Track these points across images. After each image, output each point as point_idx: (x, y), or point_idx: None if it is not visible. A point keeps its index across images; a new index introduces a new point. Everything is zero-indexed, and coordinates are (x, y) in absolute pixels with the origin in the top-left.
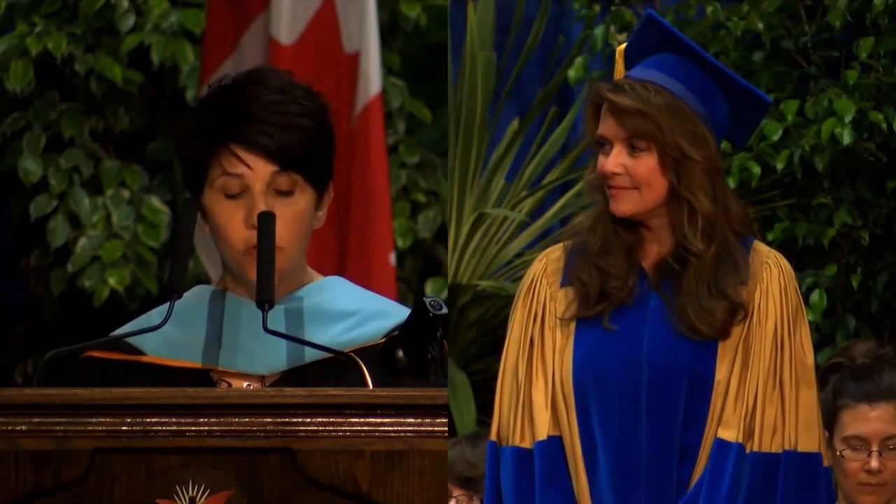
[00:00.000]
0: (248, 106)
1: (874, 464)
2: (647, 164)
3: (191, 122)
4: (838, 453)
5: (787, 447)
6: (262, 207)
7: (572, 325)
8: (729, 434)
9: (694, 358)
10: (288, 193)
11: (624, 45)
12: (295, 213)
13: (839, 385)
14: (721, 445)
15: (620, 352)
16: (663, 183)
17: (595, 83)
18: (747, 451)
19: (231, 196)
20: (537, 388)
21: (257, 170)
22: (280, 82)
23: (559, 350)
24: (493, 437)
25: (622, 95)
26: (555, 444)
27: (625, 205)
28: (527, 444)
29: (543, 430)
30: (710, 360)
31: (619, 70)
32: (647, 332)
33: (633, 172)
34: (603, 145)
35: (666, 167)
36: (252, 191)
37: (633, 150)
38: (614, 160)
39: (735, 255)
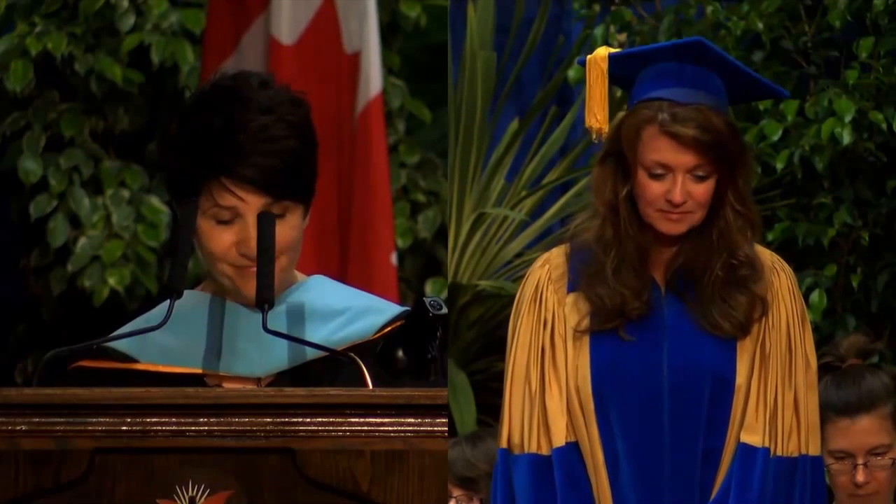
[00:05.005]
0: (234, 135)
1: (860, 478)
2: (707, 187)
3: (176, 140)
4: (826, 466)
5: (802, 451)
6: (254, 235)
7: (586, 336)
8: (753, 438)
9: (715, 360)
10: (279, 217)
11: (609, 52)
12: (286, 232)
13: (823, 395)
14: (746, 450)
15: (640, 359)
16: (710, 199)
17: (652, 111)
18: (771, 455)
19: (222, 222)
20: (551, 395)
21: (250, 202)
22: (265, 100)
23: (573, 359)
24: (504, 444)
25: (691, 126)
26: (573, 450)
27: (681, 226)
28: (544, 451)
29: (561, 437)
30: (731, 363)
31: (600, 74)
32: (666, 339)
33: (695, 197)
34: (656, 171)
35: (719, 186)
36: (244, 219)
37: (698, 178)
38: (683, 189)
39: (749, 252)
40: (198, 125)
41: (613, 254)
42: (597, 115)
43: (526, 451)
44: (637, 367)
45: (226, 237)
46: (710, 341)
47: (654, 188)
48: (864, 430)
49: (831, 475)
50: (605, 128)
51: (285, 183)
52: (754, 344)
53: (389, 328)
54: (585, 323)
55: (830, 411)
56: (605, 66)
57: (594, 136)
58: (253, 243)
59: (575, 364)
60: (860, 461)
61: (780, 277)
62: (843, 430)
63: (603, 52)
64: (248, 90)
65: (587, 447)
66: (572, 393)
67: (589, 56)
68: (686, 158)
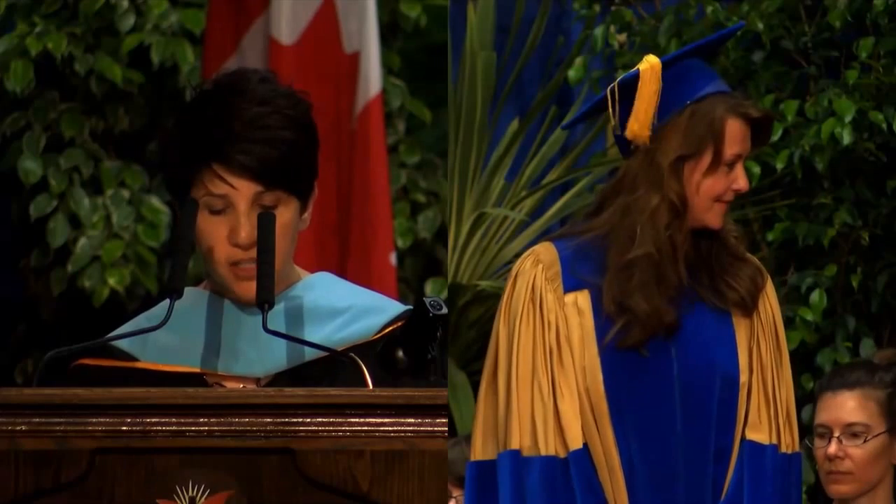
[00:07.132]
0: (229, 123)
1: (831, 449)
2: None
3: (173, 132)
4: (808, 443)
5: (795, 448)
6: (246, 226)
7: (592, 337)
8: (760, 436)
9: (723, 359)
10: (271, 209)
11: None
12: (279, 227)
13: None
14: (754, 448)
15: (652, 361)
16: None
17: (727, 103)
18: (778, 451)
19: (215, 212)
20: (563, 397)
21: (241, 189)
22: (263, 92)
23: (579, 360)
24: (515, 445)
25: (761, 109)
26: (588, 453)
27: (724, 216)
28: (559, 453)
29: (578, 440)
30: (735, 361)
31: (657, 81)
32: (676, 341)
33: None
34: (723, 162)
35: None
36: (236, 209)
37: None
38: (745, 174)
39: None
40: (195, 115)
41: (659, 266)
42: (644, 123)
43: (541, 453)
44: (649, 370)
45: (219, 230)
46: (717, 341)
47: (725, 180)
48: (841, 404)
49: (813, 451)
50: (648, 135)
51: (278, 172)
52: (750, 345)
53: (390, 328)
54: (620, 338)
55: (819, 390)
56: (660, 72)
57: (632, 145)
58: (244, 233)
59: (582, 365)
60: (835, 434)
61: (763, 277)
62: (825, 402)
63: (655, 59)
64: (247, 83)
65: (600, 450)
66: (583, 395)
67: (643, 67)
68: (749, 143)
